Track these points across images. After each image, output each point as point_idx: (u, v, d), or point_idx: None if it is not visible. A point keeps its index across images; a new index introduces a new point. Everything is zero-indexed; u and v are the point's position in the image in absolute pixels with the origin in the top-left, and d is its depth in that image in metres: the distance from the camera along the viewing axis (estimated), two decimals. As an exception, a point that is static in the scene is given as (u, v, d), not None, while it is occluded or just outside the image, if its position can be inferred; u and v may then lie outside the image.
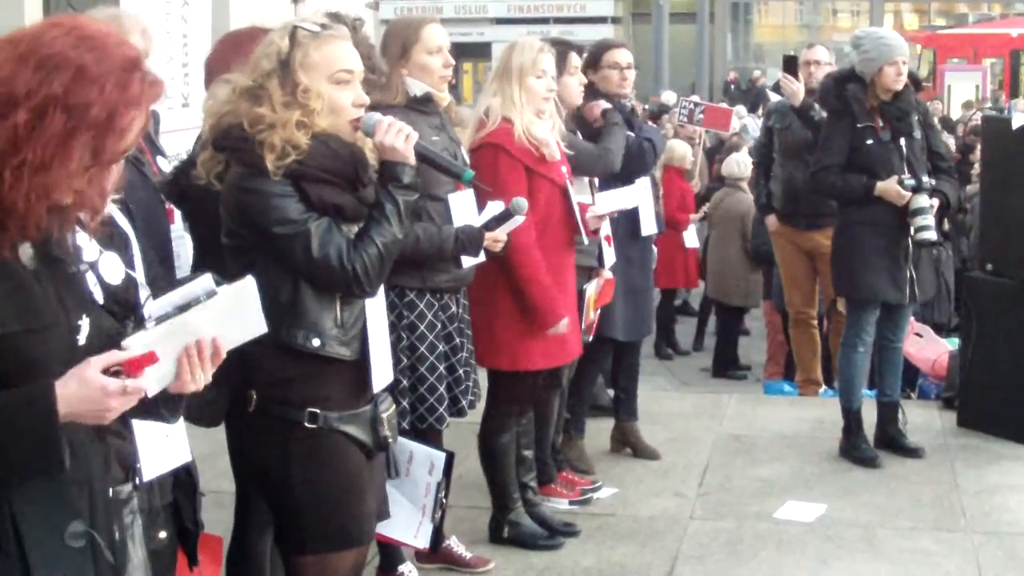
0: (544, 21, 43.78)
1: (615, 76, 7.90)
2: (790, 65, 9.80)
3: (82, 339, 3.06)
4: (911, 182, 8.13)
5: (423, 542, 5.32)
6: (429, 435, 6.04)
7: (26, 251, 3.00)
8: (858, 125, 8.15)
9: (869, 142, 8.15)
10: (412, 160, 4.38)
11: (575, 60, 7.31)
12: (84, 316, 3.08)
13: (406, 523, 5.24)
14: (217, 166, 4.35)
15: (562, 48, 7.14)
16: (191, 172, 4.88)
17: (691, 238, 11.13)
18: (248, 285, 3.23)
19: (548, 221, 6.51)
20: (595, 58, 7.90)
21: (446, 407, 6.02)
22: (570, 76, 7.23)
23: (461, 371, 6.12)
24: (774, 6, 52.09)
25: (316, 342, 4.29)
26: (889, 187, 8.09)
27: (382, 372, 4.55)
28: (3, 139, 2.87)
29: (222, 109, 4.33)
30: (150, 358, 2.99)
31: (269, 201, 4.20)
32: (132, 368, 2.96)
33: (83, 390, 2.92)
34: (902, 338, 8.67)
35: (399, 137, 4.33)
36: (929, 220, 8.19)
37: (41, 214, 2.92)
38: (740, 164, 13.87)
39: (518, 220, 5.94)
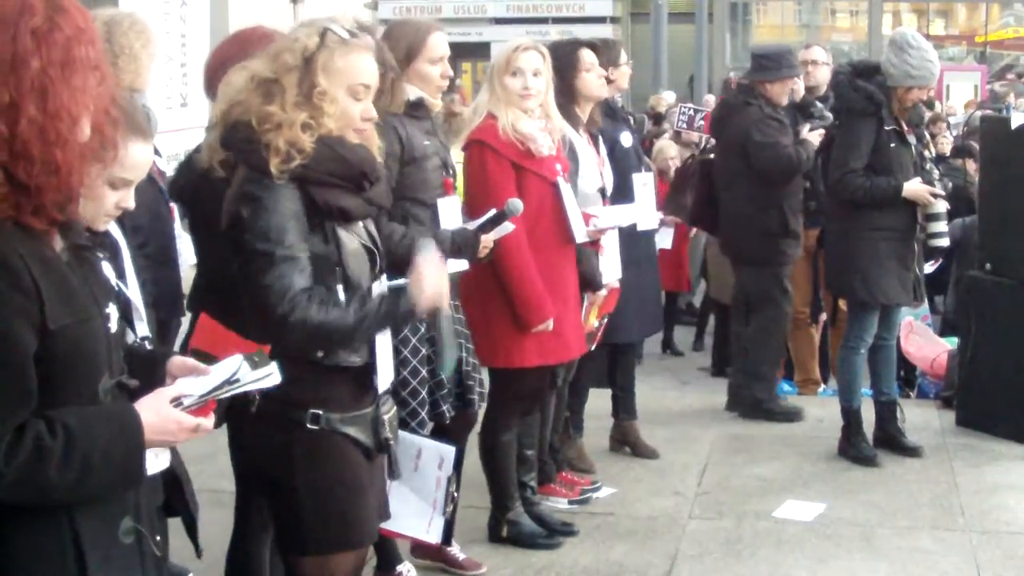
0: (543, 21, 43.75)
1: (629, 72, 8.04)
2: None
3: (113, 326, 3.14)
4: (939, 186, 8.18)
5: (435, 536, 5.32)
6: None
7: (58, 243, 3.02)
8: (886, 127, 8.14)
9: (893, 145, 8.15)
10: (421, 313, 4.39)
11: (588, 56, 7.34)
12: (110, 303, 3.16)
13: (417, 518, 5.23)
14: (221, 153, 4.32)
15: (571, 47, 7.20)
16: (190, 167, 4.93)
17: (662, 239, 11.03)
18: (273, 375, 3.46)
19: (539, 218, 6.47)
20: (615, 57, 8.02)
21: (428, 412, 5.97)
22: (586, 72, 7.28)
23: (468, 367, 6.11)
24: (773, 6, 52.03)
25: (320, 352, 4.29)
26: (919, 190, 8.10)
27: (386, 374, 4.55)
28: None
29: (235, 98, 4.29)
30: (212, 407, 3.31)
31: (270, 218, 4.16)
32: (203, 412, 3.25)
33: (160, 422, 3.11)
34: (895, 336, 8.72)
35: (424, 297, 4.32)
36: (944, 226, 8.23)
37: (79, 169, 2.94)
38: None
39: (509, 227, 5.93)
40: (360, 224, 4.41)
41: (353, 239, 4.36)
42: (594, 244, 6.96)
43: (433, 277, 4.33)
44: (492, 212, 5.93)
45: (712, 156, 9.84)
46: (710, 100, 22.15)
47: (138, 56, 5.60)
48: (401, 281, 4.41)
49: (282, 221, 4.16)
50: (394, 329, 4.55)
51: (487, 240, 5.92)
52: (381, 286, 4.46)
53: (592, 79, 7.33)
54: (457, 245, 5.80)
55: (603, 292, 7.20)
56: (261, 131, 4.18)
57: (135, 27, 5.66)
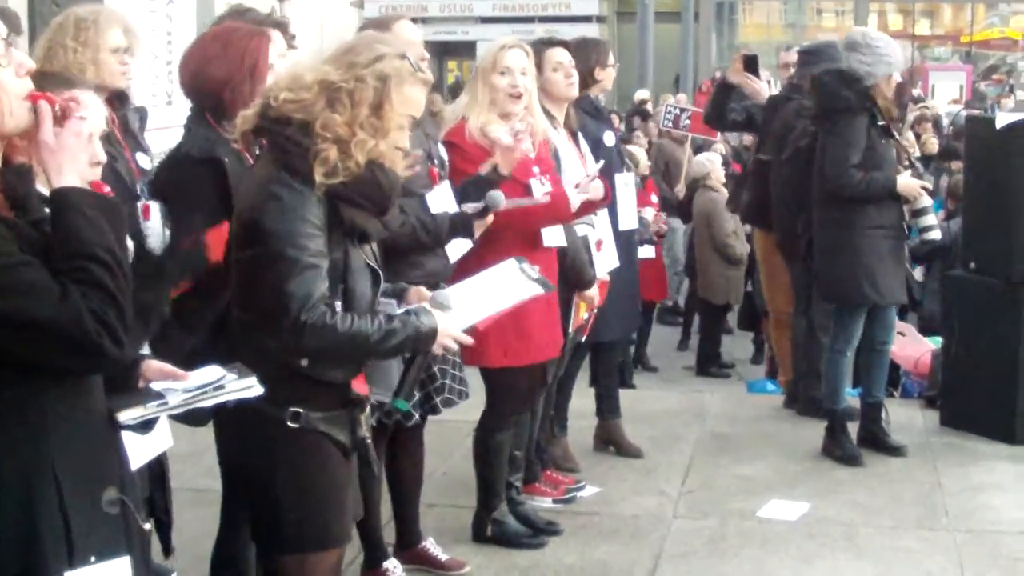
0: (529, 20, 43.70)
1: (614, 73, 8.08)
2: (751, 64, 9.75)
3: None
4: (928, 179, 8.21)
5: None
6: (401, 432, 6.07)
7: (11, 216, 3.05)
8: (879, 123, 8.15)
9: (883, 141, 8.17)
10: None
11: (556, 55, 7.28)
12: None
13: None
14: (253, 122, 4.30)
15: (540, 46, 7.16)
16: (172, 163, 4.95)
17: (646, 250, 11.05)
18: (255, 386, 3.58)
19: (509, 220, 6.41)
20: (603, 58, 7.97)
21: (415, 404, 5.99)
22: (553, 72, 7.21)
23: (436, 369, 6.10)
24: (759, 5, 52.07)
25: (305, 362, 4.28)
26: (911, 183, 8.12)
27: (387, 387, 4.59)
28: None
29: (298, 94, 4.22)
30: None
31: (297, 225, 4.15)
32: None
33: None
34: (892, 339, 8.69)
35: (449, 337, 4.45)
36: (934, 220, 8.26)
37: None
38: (707, 163, 13.97)
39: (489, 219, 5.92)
40: (367, 248, 4.42)
41: (360, 256, 4.38)
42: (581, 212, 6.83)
43: (456, 327, 4.46)
44: (481, 204, 5.90)
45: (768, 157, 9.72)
46: (681, 99, 22.21)
47: (72, 52, 5.56)
48: (413, 306, 4.45)
49: (308, 228, 4.16)
50: (413, 352, 4.55)
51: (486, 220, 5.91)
52: (392, 307, 4.47)
53: (558, 79, 7.21)
54: (456, 226, 5.81)
55: (591, 292, 7.17)
56: (318, 137, 4.16)
57: (81, 24, 5.61)
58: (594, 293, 7.19)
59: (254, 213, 4.23)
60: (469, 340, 4.60)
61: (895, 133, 8.36)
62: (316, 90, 4.20)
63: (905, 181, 8.14)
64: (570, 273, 6.93)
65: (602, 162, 7.05)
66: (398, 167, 4.37)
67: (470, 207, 5.90)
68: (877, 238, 8.15)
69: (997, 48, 49.46)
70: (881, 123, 8.14)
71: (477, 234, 5.92)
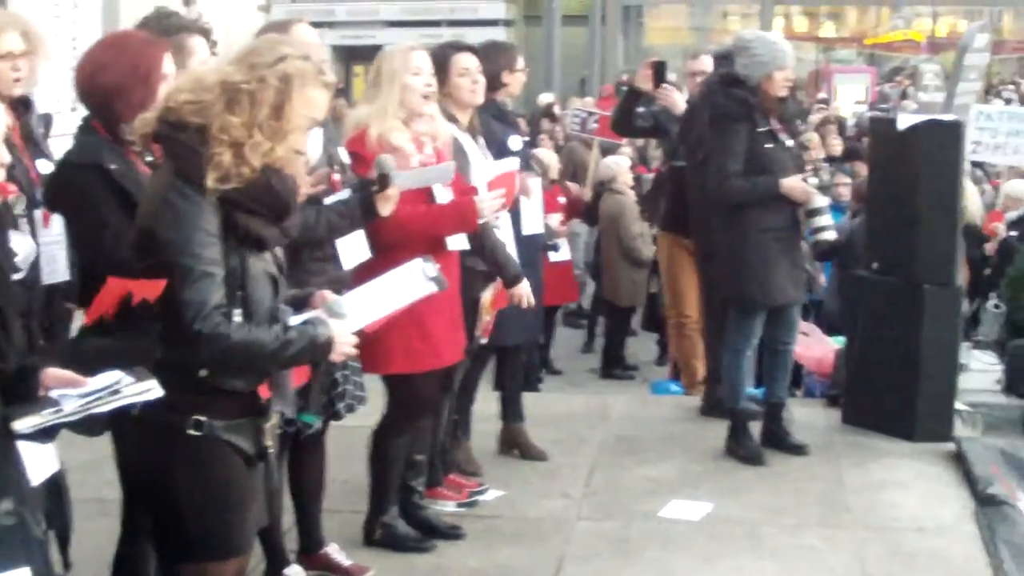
0: (436, 24, 43.69)
1: (523, 78, 8.14)
2: (661, 72, 9.61)
3: None
4: (814, 180, 8.22)
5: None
6: (303, 440, 6.05)
7: None
8: (759, 129, 8.17)
9: (768, 145, 8.19)
10: None
11: (462, 61, 7.26)
12: None
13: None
14: (151, 126, 4.25)
15: (447, 50, 7.14)
16: (59, 168, 4.88)
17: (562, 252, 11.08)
18: (153, 389, 3.60)
19: (414, 226, 6.35)
20: (510, 62, 7.99)
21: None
22: (458, 77, 7.18)
23: (337, 375, 6.06)
24: (665, 8, 52.29)
25: (204, 371, 4.23)
26: (796, 184, 8.14)
27: (286, 401, 4.56)
28: None
29: (198, 95, 4.17)
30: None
31: (191, 233, 4.11)
32: None
33: None
34: (795, 339, 8.74)
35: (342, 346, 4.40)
36: (828, 220, 8.29)
37: None
38: (613, 166, 14.02)
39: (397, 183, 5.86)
40: (267, 256, 4.37)
41: (259, 264, 4.32)
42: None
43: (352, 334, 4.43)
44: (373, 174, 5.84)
45: (684, 163, 9.54)
46: (588, 102, 22.26)
47: None
48: (310, 314, 4.40)
49: (203, 237, 4.11)
50: (313, 363, 4.52)
51: (389, 192, 5.82)
52: (289, 315, 4.42)
53: (464, 84, 7.19)
54: (364, 204, 5.77)
55: (520, 289, 7.15)
56: (215, 140, 4.11)
57: None
58: (525, 290, 7.18)
59: (150, 221, 4.20)
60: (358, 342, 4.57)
61: (789, 134, 8.39)
62: (217, 91, 4.16)
63: (790, 183, 8.17)
64: (496, 272, 6.96)
65: (535, 172, 7.04)
66: (297, 171, 4.34)
67: (366, 181, 5.86)
68: (766, 240, 8.18)
69: (901, 50, 49.95)
70: (764, 128, 8.18)
71: (384, 211, 5.84)
